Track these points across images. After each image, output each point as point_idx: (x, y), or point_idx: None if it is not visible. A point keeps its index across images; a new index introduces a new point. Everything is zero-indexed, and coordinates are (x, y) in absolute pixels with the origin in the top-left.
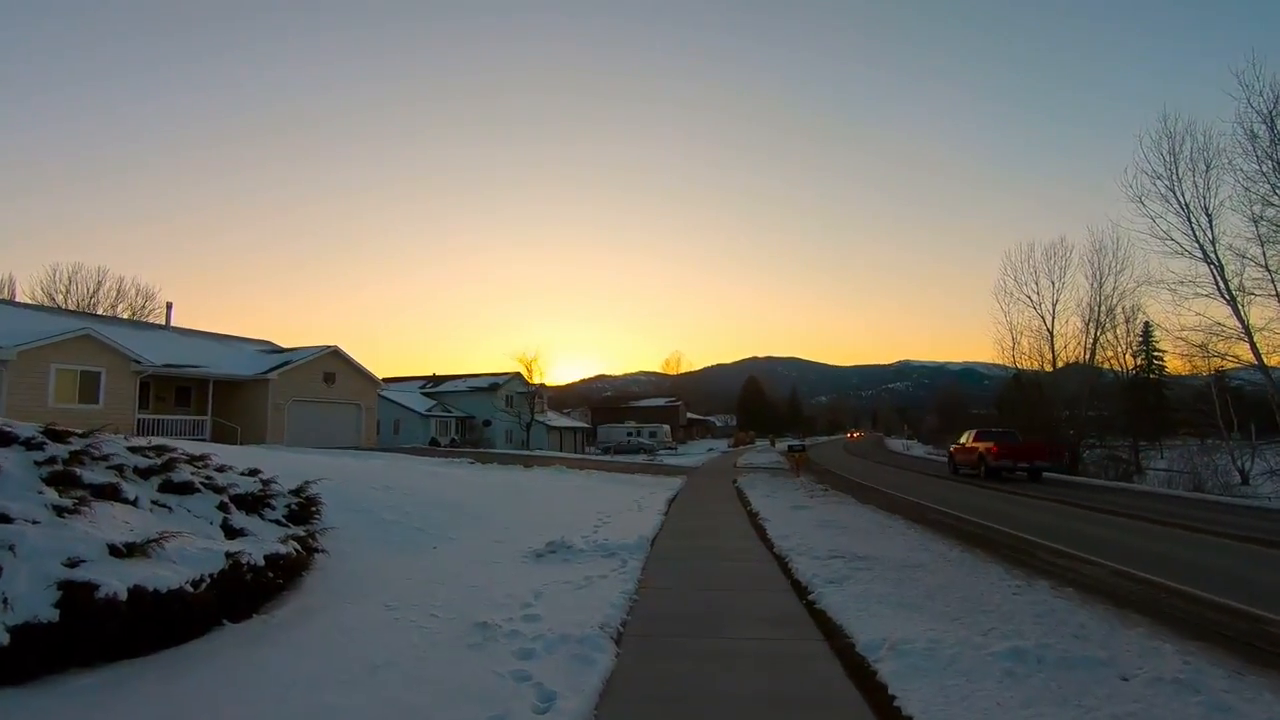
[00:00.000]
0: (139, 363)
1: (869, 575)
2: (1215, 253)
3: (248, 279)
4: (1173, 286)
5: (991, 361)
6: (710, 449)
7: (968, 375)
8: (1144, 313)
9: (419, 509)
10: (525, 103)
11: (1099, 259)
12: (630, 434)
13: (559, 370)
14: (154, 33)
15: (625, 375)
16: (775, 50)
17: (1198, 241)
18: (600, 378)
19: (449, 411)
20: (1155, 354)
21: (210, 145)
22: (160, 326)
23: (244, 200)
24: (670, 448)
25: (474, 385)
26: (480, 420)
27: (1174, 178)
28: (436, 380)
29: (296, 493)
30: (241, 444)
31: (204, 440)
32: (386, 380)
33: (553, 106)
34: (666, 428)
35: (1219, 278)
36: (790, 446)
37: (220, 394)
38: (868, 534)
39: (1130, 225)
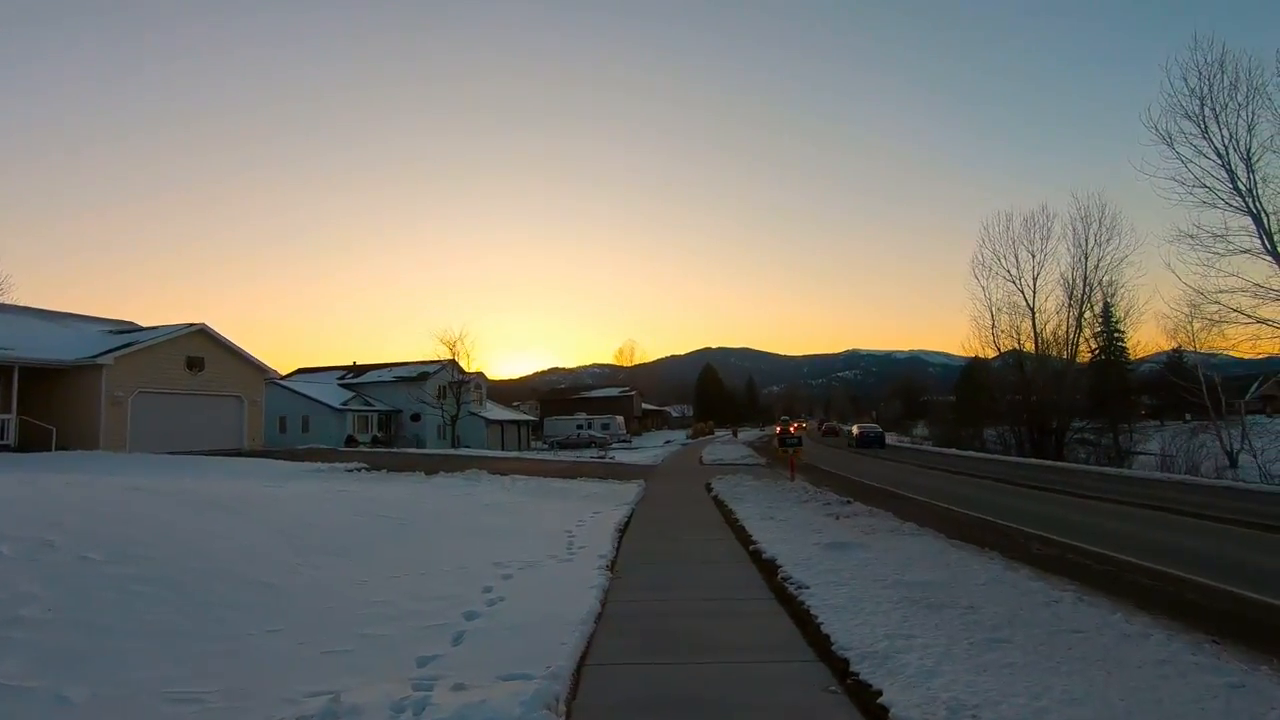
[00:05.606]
0: None
1: None
2: (1257, 201)
3: (153, 264)
4: (1205, 243)
5: (937, 349)
6: (668, 441)
7: (914, 363)
8: (1124, 289)
9: (73, 604)
10: (471, 91)
11: (1084, 228)
12: (581, 426)
13: (510, 364)
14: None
15: (579, 368)
16: (719, 40)
17: (1236, 189)
18: (553, 370)
19: (370, 405)
20: (1116, 334)
21: (137, 125)
22: None
23: (147, 183)
24: (625, 440)
25: (401, 375)
26: (409, 414)
27: (1205, 116)
28: (358, 370)
29: None
30: (57, 450)
31: (7, 447)
32: (304, 370)
33: (499, 96)
34: (620, 419)
35: (1261, 231)
36: (783, 440)
37: (36, 385)
38: (1036, 640)
39: (1153, 174)
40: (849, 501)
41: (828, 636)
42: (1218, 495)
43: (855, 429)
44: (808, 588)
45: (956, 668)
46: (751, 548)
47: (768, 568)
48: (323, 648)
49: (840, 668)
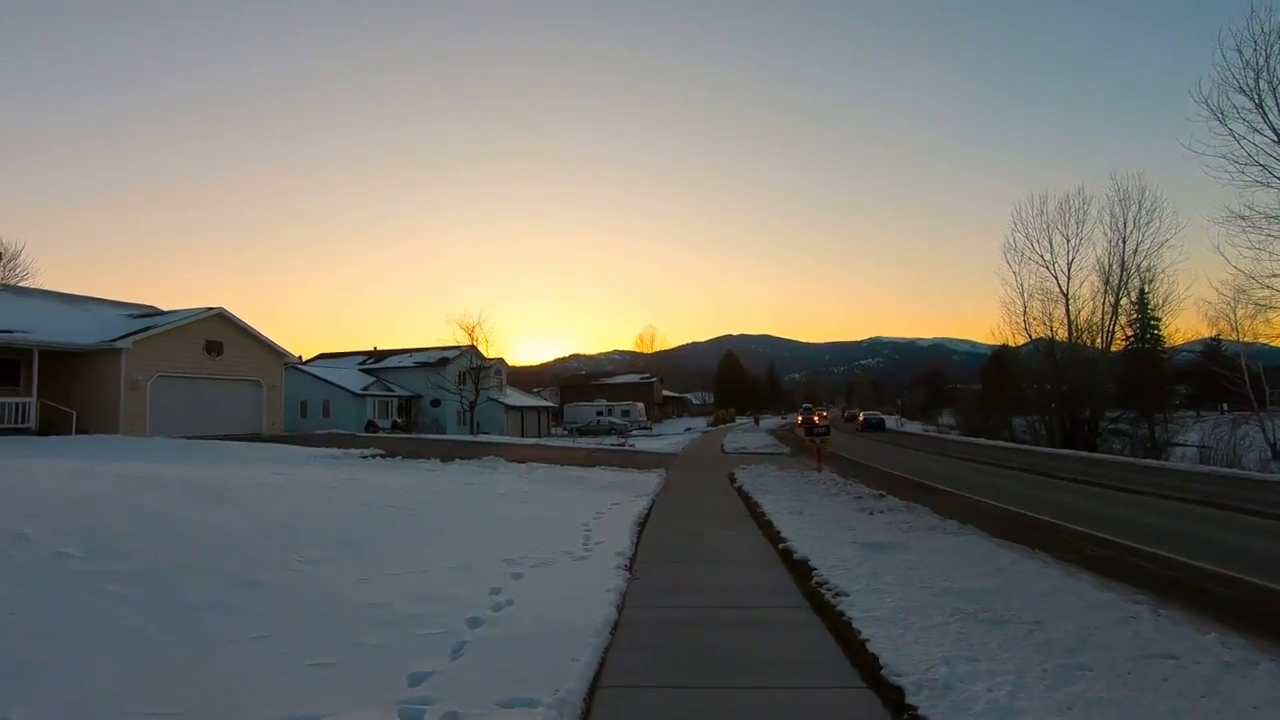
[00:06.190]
0: None
1: None
2: None
3: (186, 251)
4: (1257, 224)
5: (961, 337)
6: (689, 428)
7: (938, 350)
8: (1164, 274)
9: (38, 606)
10: (495, 77)
11: (1123, 211)
12: (601, 413)
13: (531, 350)
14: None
15: (600, 354)
16: (744, 24)
17: None
18: (574, 357)
19: (390, 390)
20: (1152, 320)
21: (157, 117)
22: None
23: (172, 171)
24: (645, 427)
25: (421, 360)
26: (429, 400)
27: (1260, 90)
28: (379, 355)
29: None
30: (77, 434)
31: (28, 431)
32: (325, 356)
33: (523, 82)
34: (640, 406)
35: None
36: (811, 430)
37: (55, 369)
38: (1122, 668)
39: (1203, 151)
40: (882, 495)
41: (875, 656)
42: (1271, 490)
43: (861, 415)
44: (846, 595)
45: (1034, 704)
46: (781, 546)
47: (800, 570)
48: (309, 659)
49: (894, 698)
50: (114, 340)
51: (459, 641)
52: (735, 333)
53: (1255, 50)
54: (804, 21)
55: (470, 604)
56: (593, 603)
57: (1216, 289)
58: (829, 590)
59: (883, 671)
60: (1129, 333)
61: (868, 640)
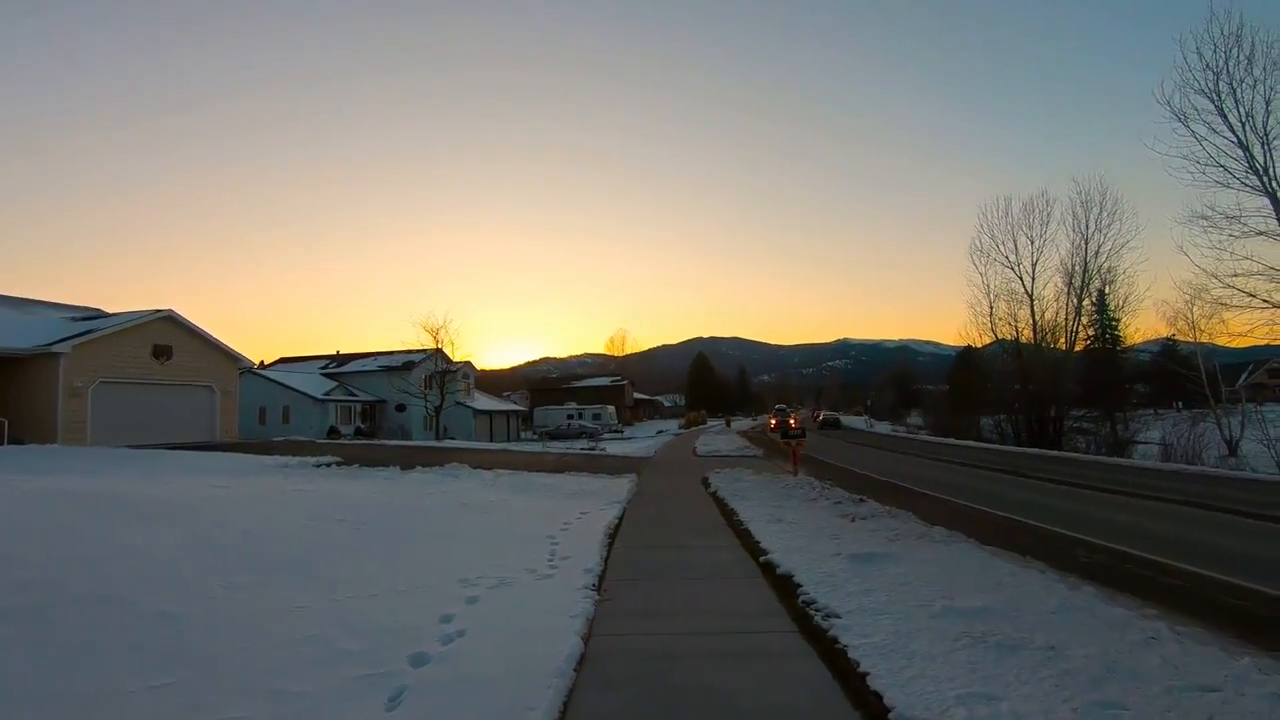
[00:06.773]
0: None
1: None
2: (1274, 181)
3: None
4: (1218, 224)
5: (926, 339)
6: (661, 431)
7: (904, 352)
8: (1125, 275)
9: None
10: (460, 77)
11: (1085, 213)
12: (571, 416)
13: (500, 353)
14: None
15: (570, 357)
16: (712, 25)
17: (1253, 169)
18: (544, 360)
19: (354, 395)
20: (1112, 321)
21: (118, 109)
22: None
23: (131, 175)
24: (617, 431)
25: (386, 364)
26: (393, 405)
27: (1220, 92)
28: (341, 359)
29: None
30: (11, 444)
31: None
32: (286, 360)
33: (489, 82)
34: (612, 409)
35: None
36: (786, 433)
37: None
38: (1159, 704)
39: (1166, 152)
40: (861, 500)
41: (879, 695)
42: (1231, 486)
43: (821, 415)
44: (838, 617)
45: None
46: (762, 559)
47: (784, 586)
48: (216, 713)
49: None
50: (50, 344)
51: (399, 686)
52: (706, 335)
53: (1215, 53)
54: (773, 22)
55: (417, 635)
56: (557, 632)
57: (1177, 288)
58: (818, 611)
59: (890, 715)
60: (1090, 333)
61: (868, 674)
